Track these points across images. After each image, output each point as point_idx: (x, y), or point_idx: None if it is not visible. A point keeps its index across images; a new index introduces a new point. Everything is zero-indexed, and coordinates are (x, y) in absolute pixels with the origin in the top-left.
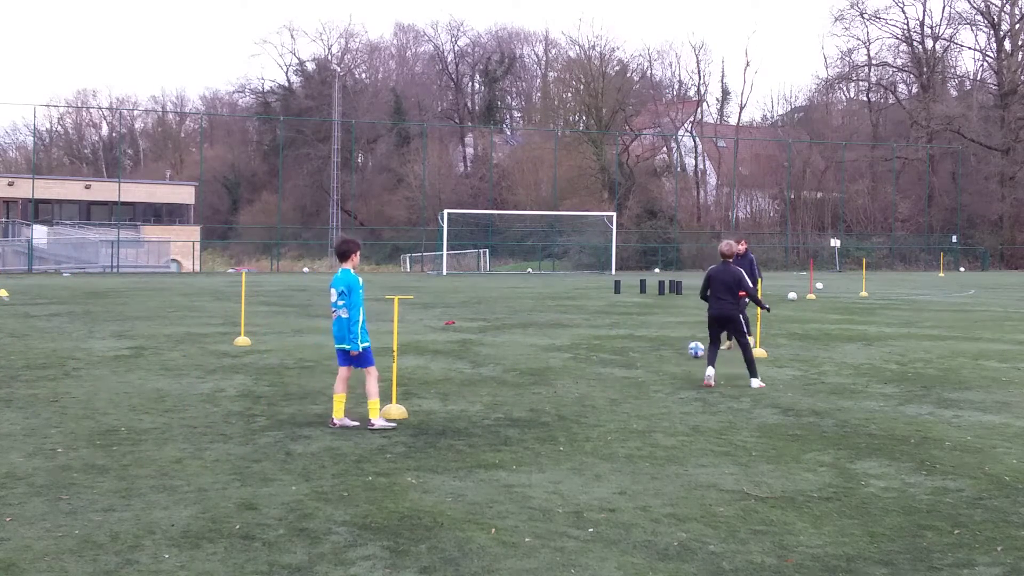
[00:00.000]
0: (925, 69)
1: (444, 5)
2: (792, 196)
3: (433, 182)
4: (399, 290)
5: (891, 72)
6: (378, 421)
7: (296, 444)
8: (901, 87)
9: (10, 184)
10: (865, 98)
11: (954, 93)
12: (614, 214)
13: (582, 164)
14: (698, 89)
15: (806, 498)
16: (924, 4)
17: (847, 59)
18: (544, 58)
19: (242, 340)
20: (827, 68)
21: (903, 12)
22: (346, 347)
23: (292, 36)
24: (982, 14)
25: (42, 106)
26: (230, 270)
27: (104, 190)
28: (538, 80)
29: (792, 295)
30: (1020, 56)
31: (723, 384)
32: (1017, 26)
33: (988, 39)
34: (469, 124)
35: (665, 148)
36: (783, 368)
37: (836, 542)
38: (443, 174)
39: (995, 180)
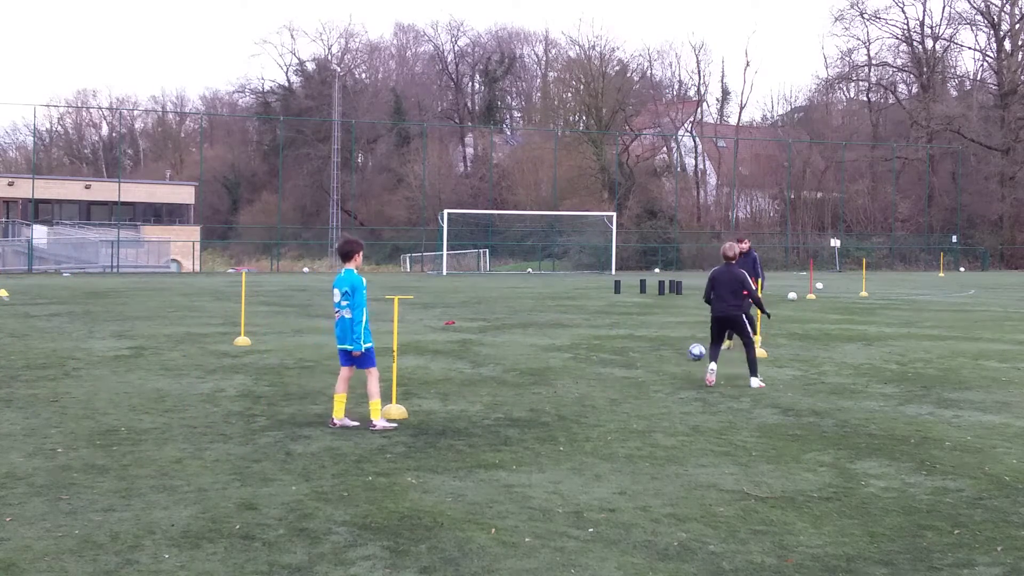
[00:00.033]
0: (925, 69)
1: (444, 5)
2: (792, 196)
3: (433, 182)
4: (399, 290)
5: (891, 72)
6: (379, 422)
7: (296, 444)
8: (901, 87)
9: (10, 184)
10: (865, 98)
11: (954, 93)
12: (614, 214)
13: (582, 164)
14: (698, 89)
15: (806, 498)
16: (924, 4)
17: (847, 59)
18: (544, 58)
19: (242, 340)
20: (827, 68)
21: (903, 12)
22: (348, 347)
23: (292, 36)
24: (982, 14)
25: (42, 106)
26: (230, 270)
27: (104, 190)
28: (538, 80)
29: (792, 295)
30: (1020, 56)
31: (723, 384)
32: (1017, 26)
33: (988, 39)
34: (469, 124)
35: (665, 148)
36: (783, 368)
37: (836, 542)
38: (443, 174)
39: (995, 180)
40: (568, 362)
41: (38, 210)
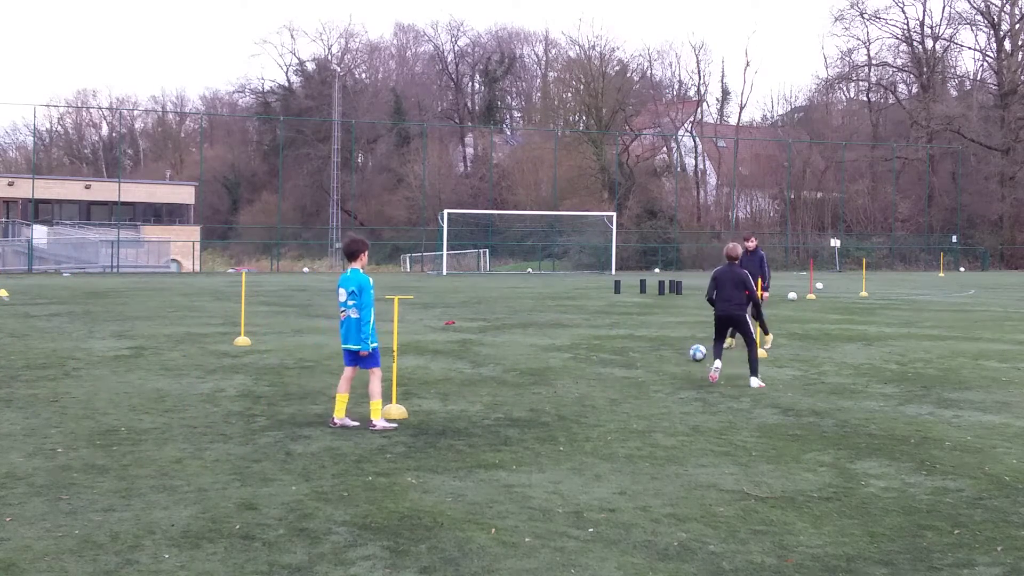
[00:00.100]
0: (925, 69)
1: (444, 5)
2: (792, 196)
3: (433, 182)
4: (399, 290)
5: (891, 72)
6: (379, 422)
7: (296, 444)
8: (901, 87)
9: (10, 184)
10: (865, 98)
11: (954, 93)
12: (614, 214)
13: (582, 164)
14: (698, 89)
15: (806, 498)
16: (924, 4)
17: (847, 59)
18: (544, 58)
19: (242, 340)
20: (827, 68)
21: (903, 12)
22: (354, 347)
23: (292, 36)
24: (982, 14)
25: (42, 106)
26: (230, 270)
27: (104, 190)
28: (538, 80)
29: (792, 295)
30: (1020, 56)
31: (723, 384)
32: (1017, 26)
33: (988, 39)
34: (469, 124)
35: (665, 148)
36: (783, 368)
37: (836, 542)
38: (443, 174)
39: (995, 180)
40: (568, 362)
41: (38, 210)
